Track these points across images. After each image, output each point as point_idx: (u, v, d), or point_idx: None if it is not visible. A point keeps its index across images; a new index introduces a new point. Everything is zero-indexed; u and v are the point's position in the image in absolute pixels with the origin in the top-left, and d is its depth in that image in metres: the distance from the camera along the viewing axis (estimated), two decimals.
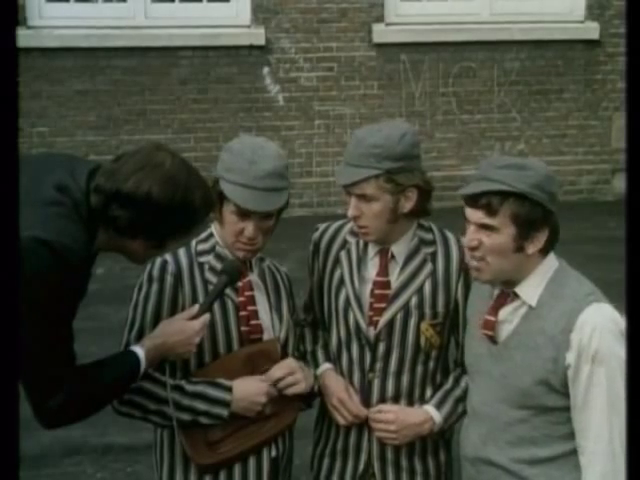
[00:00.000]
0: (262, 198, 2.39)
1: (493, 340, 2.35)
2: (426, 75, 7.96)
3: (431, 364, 2.61)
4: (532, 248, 2.26)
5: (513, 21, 8.05)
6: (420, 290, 2.56)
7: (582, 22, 8.19)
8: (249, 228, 2.42)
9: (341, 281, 2.62)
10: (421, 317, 2.55)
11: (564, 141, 8.27)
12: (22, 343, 2.17)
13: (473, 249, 2.28)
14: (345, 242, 2.65)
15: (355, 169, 2.45)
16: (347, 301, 2.59)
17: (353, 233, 2.64)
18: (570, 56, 8.16)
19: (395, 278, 2.57)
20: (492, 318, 2.35)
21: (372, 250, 2.60)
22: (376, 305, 2.57)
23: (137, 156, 2.21)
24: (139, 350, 2.28)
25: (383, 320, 2.55)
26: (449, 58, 7.97)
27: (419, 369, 2.59)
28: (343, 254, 2.63)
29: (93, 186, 2.15)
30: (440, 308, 2.57)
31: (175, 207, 2.15)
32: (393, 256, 2.58)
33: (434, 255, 2.58)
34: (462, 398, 2.55)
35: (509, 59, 8.08)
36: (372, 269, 2.59)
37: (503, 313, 2.34)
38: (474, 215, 2.26)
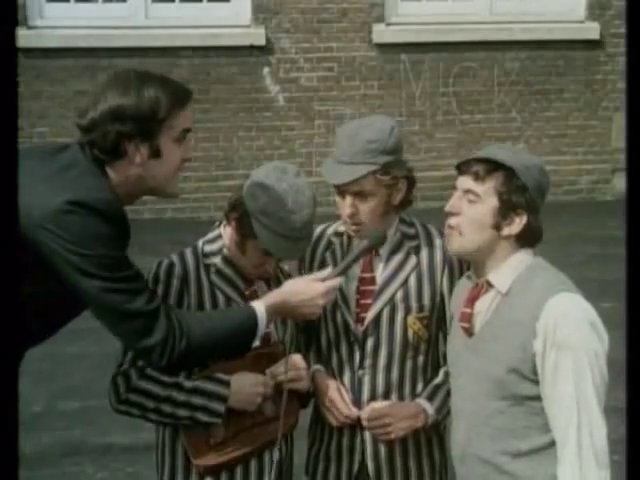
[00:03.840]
0: (295, 246, 2.43)
1: (469, 332, 2.34)
2: (426, 75, 7.97)
3: (421, 358, 2.60)
4: (507, 230, 2.27)
5: (513, 21, 8.05)
6: (405, 283, 2.56)
7: (582, 22, 8.19)
8: (270, 263, 2.49)
9: None
10: (407, 311, 2.55)
11: (564, 141, 8.27)
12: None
13: (452, 215, 2.29)
14: (330, 243, 2.65)
15: (351, 167, 2.45)
16: (334, 300, 2.59)
17: (337, 234, 2.65)
18: (570, 56, 8.16)
19: (380, 273, 2.57)
20: (468, 310, 2.34)
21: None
22: (362, 301, 2.57)
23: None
24: (259, 305, 2.29)
25: (370, 315, 2.55)
26: (449, 58, 7.97)
27: (408, 363, 2.58)
28: (328, 255, 2.64)
29: (80, 138, 2.16)
30: (426, 301, 2.56)
31: (140, 99, 2.11)
32: (377, 252, 2.58)
33: (417, 248, 2.58)
34: None
35: (509, 59, 8.08)
36: (357, 266, 2.58)
37: (479, 305, 2.34)
38: (462, 182, 2.30)
